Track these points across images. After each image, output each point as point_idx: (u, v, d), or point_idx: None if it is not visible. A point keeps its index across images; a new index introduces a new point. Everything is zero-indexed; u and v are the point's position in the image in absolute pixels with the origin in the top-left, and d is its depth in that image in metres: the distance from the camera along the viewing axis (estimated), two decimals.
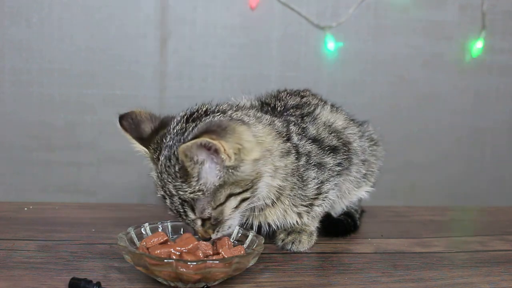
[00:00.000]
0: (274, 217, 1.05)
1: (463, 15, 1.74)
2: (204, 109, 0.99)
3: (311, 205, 1.07)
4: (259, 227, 1.06)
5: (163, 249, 0.90)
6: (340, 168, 1.09)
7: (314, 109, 1.13)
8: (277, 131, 1.02)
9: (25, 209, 1.29)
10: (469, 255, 1.12)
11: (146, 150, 0.99)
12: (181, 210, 0.94)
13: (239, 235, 1.01)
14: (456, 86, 1.78)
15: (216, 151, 0.89)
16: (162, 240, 0.94)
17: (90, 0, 1.56)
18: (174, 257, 0.88)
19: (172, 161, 0.92)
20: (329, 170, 1.07)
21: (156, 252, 0.89)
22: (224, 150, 0.88)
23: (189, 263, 0.83)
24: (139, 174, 1.63)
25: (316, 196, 1.06)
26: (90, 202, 1.50)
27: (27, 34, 1.55)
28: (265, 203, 1.02)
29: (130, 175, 1.63)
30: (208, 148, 0.88)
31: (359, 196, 1.24)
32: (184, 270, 0.83)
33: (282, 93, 1.21)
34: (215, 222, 0.94)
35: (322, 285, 0.92)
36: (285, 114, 1.12)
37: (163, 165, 0.93)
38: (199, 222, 0.95)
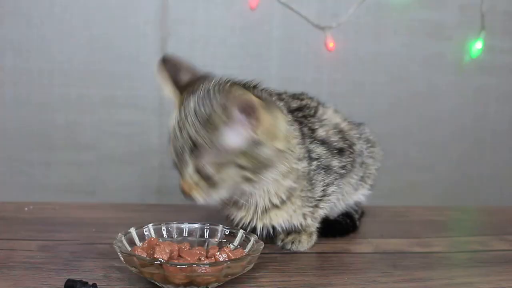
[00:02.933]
0: (280, 219, 1.04)
1: (463, 15, 1.74)
2: (254, 83, 0.96)
3: (316, 206, 1.07)
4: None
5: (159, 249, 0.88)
6: (344, 171, 1.09)
7: (316, 111, 1.13)
8: (296, 135, 1.02)
9: (25, 209, 1.29)
10: (469, 255, 1.12)
11: (179, 94, 0.97)
12: (181, 148, 0.91)
13: (242, 239, 1.00)
14: (455, 86, 1.78)
15: (254, 119, 0.88)
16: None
17: (90, 0, 1.56)
18: (162, 259, 0.86)
19: (205, 101, 0.90)
20: (334, 172, 1.07)
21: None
22: (262, 123, 0.89)
23: (178, 266, 0.81)
24: (139, 174, 1.63)
25: (321, 198, 1.06)
26: (90, 202, 1.50)
27: (27, 34, 1.55)
28: (272, 203, 1.01)
29: (130, 175, 1.63)
30: (247, 112, 0.87)
31: (355, 199, 1.23)
32: (173, 273, 0.80)
33: (283, 95, 1.21)
34: (206, 179, 0.91)
35: (322, 285, 0.92)
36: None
37: (191, 106, 0.91)
38: (190, 168, 0.92)
